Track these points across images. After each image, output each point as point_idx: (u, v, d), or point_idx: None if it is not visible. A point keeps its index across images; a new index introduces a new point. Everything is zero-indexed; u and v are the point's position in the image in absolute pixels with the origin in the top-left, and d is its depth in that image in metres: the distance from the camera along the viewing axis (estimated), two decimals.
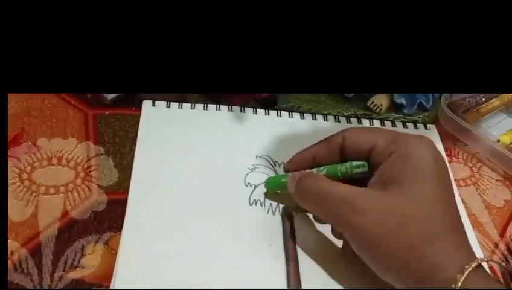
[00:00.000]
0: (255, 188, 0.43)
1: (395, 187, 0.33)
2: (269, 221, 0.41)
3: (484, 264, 0.31)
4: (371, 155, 0.36)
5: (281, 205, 0.42)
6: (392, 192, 0.33)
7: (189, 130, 0.47)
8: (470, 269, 0.30)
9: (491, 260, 0.32)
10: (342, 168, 0.37)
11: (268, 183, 0.43)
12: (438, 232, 0.32)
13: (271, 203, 0.42)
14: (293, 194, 0.38)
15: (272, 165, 0.45)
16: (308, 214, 0.41)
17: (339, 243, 0.39)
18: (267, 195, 0.42)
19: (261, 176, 0.44)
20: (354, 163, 0.37)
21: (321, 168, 0.39)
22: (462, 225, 0.33)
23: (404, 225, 0.32)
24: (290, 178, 0.39)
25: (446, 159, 0.50)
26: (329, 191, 0.35)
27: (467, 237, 0.33)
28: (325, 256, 0.39)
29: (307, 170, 0.40)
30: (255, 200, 0.42)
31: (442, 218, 0.32)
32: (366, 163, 0.36)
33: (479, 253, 0.41)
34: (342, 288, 0.37)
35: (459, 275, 0.30)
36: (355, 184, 0.35)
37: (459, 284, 0.29)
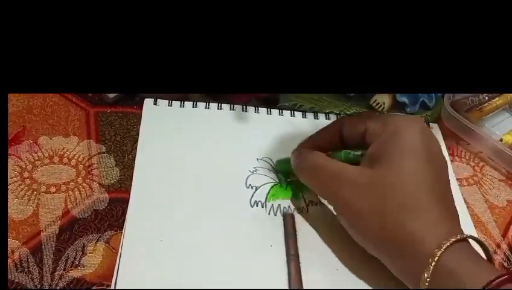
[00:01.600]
0: (256, 189, 0.43)
1: (381, 163, 0.34)
2: (270, 222, 0.41)
3: (472, 242, 0.32)
4: (365, 138, 0.37)
5: (282, 206, 0.42)
6: (377, 167, 0.34)
7: (191, 130, 0.47)
8: (448, 243, 0.30)
9: (472, 237, 0.32)
10: (346, 153, 0.38)
11: (277, 163, 0.45)
12: (419, 205, 0.32)
13: (272, 205, 0.42)
14: (294, 169, 0.40)
15: (273, 167, 0.45)
16: (308, 214, 0.41)
17: (340, 243, 0.39)
18: (268, 198, 0.42)
19: (262, 178, 0.44)
20: (358, 151, 0.38)
21: (327, 153, 0.39)
22: (449, 200, 0.34)
23: (386, 196, 0.33)
24: (293, 154, 0.41)
25: (448, 157, 0.50)
26: (322, 165, 0.37)
27: (453, 213, 0.34)
28: (326, 256, 0.39)
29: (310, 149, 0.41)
30: (256, 201, 0.42)
31: (426, 192, 0.33)
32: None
33: (479, 253, 0.41)
34: (344, 288, 0.37)
35: (436, 250, 0.30)
36: None
37: (435, 259, 0.30)
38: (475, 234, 0.43)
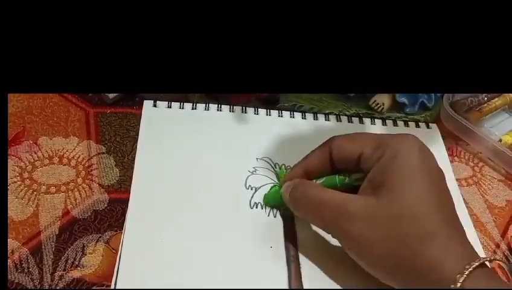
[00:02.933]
0: (255, 190, 0.43)
1: (383, 190, 0.33)
2: (270, 223, 0.41)
3: (488, 263, 0.31)
4: (359, 163, 0.36)
5: (282, 207, 0.42)
6: (381, 196, 0.33)
7: (191, 131, 0.47)
8: (471, 269, 0.29)
9: (495, 259, 0.32)
10: (341, 179, 0.37)
11: (266, 198, 0.42)
12: (429, 231, 0.31)
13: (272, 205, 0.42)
14: (287, 203, 0.38)
15: (272, 167, 0.45)
16: None
17: (339, 244, 0.39)
18: (267, 203, 0.42)
19: (261, 178, 0.44)
20: (354, 175, 0.37)
21: (320, 179, 0.39)
22: (456, 220, 0.33)
23: (394, 226, 0.32)
24: (284, 187, 0.39)
25: (448, 158, 0.50)
26: (320, 197, 0.35)
27: (463, 233, 0.33)
28: (326, 257, 0.39)
29: (304, 179, 0.39)
30: (255, 203, 0.42)
31: (433, 216, 0.32)
32: (363, 175, 0.36)
33: (480, 253, 0.41)
34: (344, 289, 0.37)
35: (458, 276, 0.29)
36: (354, 192, 0.35)
37: (459, 285, 0.29)
38: (475, 235, 0.43)
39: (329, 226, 0.35)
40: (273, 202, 0.42)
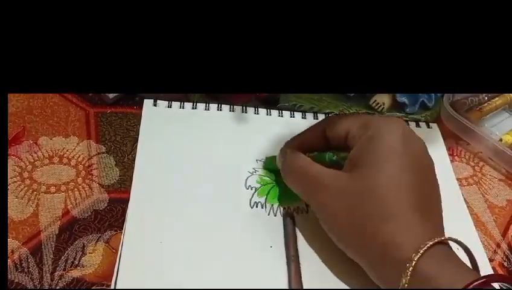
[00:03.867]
0: (255, 191, 0.43)
1: (359, 167, 0.34)
2: (270, 223, 0.41)
3: (454, 245, 0.32)
4: (347, 141, 0.37)
5: (282, 207, 0.42)
6: (354, 171, 0.34)
7: (191, 130, 0.47)
8: (425, 247, 0.30)
9: (450, 238, 0.32)
10: (330, 156, 0.38)
11: (265, 162, 0.45)
12: (397, 209, 0.32)
13: (272, 205, 0.42)
14: (280, 169, 0.41)
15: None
16: (308, 215, 0.41)
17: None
18: (267, 199, 0.42)
19: (261, 178, 0.44)
20: (342, 154, 0.37)
21: (312, 154, 0.39)
22: (432, 203, 0.34)
23: (361, 202, 0.33)
24: (278, 154, 0.42)
25: (448, 158, 0.50)
26: (305, 169, 0.37)
27: (435, 216, 0.33)
28: (326, 257, 0.39)
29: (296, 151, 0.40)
30: (255, 202, 0.42)
31: (404, 196, 0.32)
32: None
33: (480, 253, 0.41)
34: (344, 289, 0.37)
35: (414, 255, 0.30)
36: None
37: (413, 263, 0.30)
38: (475, 234, 0.43)
39: (306, 195, 0.37)
40: (269, 167, 0.44)
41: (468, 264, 0.32)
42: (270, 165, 0.44)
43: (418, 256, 0.30)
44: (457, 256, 0.31)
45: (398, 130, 0.35)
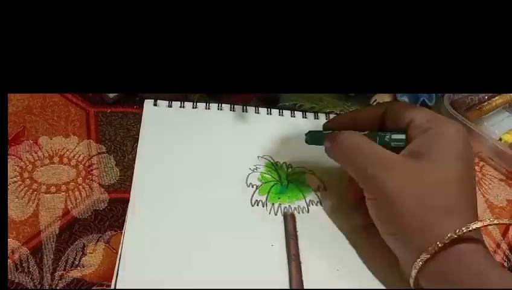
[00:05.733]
0: (256, 188, 0.43)
1: (425, 158, 0.35)
2: (271, 221, 0.41)
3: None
4: (408, 128, 0.37)
5: (283, 206, 0.42)
6: (421, 161, 0.35)
7: (191, 130, 0.47)
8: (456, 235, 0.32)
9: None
10: (382, 136, 0.38)
11: (310, 137, 0.43)
12: (459, 208, 0.33)
13: (273, 204, 0.42)
14: (328, 147, 0.40)
15: (273, 165, 0.45)
16: (309, 214, 0.41)
17: (341, 243, 0.39)
18: (269, 198, 0.42)
19: (262, 176, 0.44)
20: (394, 135, 0.38)
21: (363, 132, 0.39)
22: (476, 206, 0.35)
23: (432, 193, 0.34)
24: (327, 135, 0.41)
25: None
26: (363, 146, 0.37)
27: (476, 212, 0.35)
28: (327, 256, 0.39)
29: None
30: (256, 200, 0.42)
31: (466, 196, 0.34)
32: (404, 137, 0.38)
33: None
34: (344, 288, 0.37)
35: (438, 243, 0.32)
36: None
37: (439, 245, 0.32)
38: None
39: (362, 172, 0.37)
40: (315, 141, 0.42)
41: None
42: (313, 140, 0.42)
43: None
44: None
45: (460, 133, 0.36)
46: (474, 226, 0.32)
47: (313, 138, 0.42)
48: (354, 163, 0.38)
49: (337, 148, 0.39)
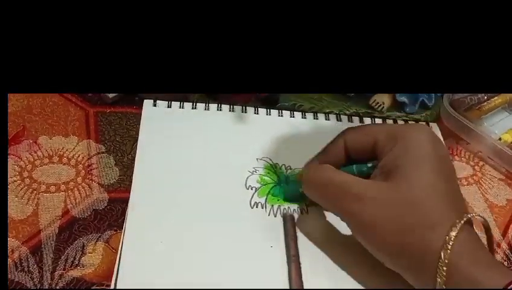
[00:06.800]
0: (255, 191, 0.43)
1: (394, 177, 0.34)
2: (270, 223, 0.41)
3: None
4: (375, 152, 0.36)
5: (282, 207, 0.42)
6: (392, 181, 0.34)
7: (191, 130, 0.47)
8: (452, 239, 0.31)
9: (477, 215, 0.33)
10: (358, 167, 0.38)
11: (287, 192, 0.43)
12: (434, 220, 0.32)
13: (272, 206, 0.42)
14: (303, 187, 0.39)
15: (272, 167, 0.45)
16: (308, 215, 0.42)
17: (340, 244, 0.39)
18: (268, 199, 0.42)
19: (261, 178, 0.44)
20: (369, 163, 0.37)
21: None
22: (464, 207, 0.35)
23: (405, 212, 0.33)
24: (301, 173, 0.40)
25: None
26: (332, 179, 0.36)
27: (463, 215, 0.33)
28: (326, 257, 0.39)
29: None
30: (256, 202, 0.42)
31: (440, 205, 0.33)
32: (375, 163, 0.36)
33: None
34: (344, 289, 0.37)
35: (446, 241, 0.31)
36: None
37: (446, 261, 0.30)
38: None
39: (337, 206, 0.36)
40: (293, 192, 0.42)
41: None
42: (290, 191, 0.43)
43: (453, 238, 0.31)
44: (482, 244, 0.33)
45: (427, 137, 0.35)
46: (453, 233, 0.31)
47: (289, 190, 0.43)
48: (326, 197, 0.37)
49: (309, 184, 0.38)
